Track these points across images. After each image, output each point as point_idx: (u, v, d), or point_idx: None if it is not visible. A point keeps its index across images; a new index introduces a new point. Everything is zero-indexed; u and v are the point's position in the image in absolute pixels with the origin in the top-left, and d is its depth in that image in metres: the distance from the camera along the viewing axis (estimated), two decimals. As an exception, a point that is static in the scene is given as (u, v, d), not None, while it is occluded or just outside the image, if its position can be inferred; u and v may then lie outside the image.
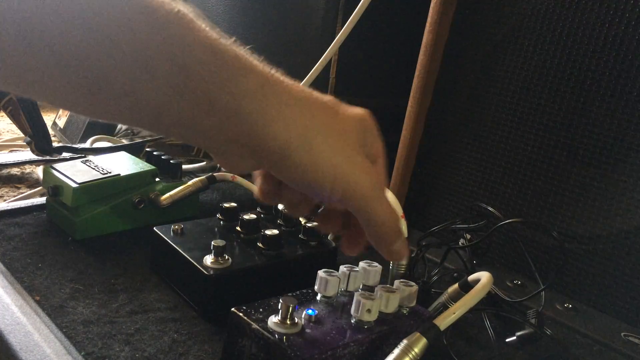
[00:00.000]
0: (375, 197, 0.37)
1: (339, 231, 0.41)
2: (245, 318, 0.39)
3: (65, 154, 0.87)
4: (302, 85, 0.36)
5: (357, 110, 0.38)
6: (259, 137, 0.33)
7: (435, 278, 0.57)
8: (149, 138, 1.07)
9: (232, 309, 0.40)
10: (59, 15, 0.27)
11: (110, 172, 0.63)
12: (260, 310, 0.40)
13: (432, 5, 0.74)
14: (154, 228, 0.56)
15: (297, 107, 0.34)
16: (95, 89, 0.29)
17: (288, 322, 0.38)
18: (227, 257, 0.51)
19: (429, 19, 0.74)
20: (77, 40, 0.28)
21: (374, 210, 0.37)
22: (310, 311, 0.40)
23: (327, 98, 0.37)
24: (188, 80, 0.30)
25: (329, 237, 0.62)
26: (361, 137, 0.37)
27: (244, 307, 0.40)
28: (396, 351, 0.38)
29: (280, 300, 0.38)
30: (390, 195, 0.50)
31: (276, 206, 0.64)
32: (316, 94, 0.37)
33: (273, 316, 0.39)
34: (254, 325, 0.38)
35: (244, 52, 0.33)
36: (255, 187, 0.42)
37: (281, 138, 0.33)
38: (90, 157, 0.69)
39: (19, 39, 0.27)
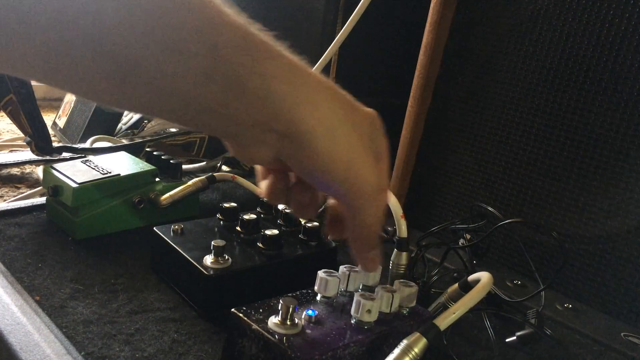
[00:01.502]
0: (375, 199, 0.37)
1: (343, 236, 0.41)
2: (246, 319, 0.39)
3: (65, 154, 0.87)
4: (324, 75, 0.37)
5: (369, 109, 0.39)
6: (286, 120, 0.33)
7: (435, 278, 0.57)
8: (149, 138, 1.07)
9: (232, 310, 0.40)
10: (92, 2, 0.27)
11: (110, 172, 0.63)
12: (261, 310, 0.40)
13: (432, 5, 0.74)
14: (154, 228, 0.56)
15: (323, 94, 0.35)
16: (126, 76, 0.29)
17: (288, 322, 0.38)
18: (227, 257, 0.51)
19: (429, 19, 0.74)
20: (110, 26, 0.28)
21: (369, 211, 0.37)
22: (310, 312, 0.40)
23: (345, 92, 0.38)
24: (219, 63, 0.30)
25: (328, 237, 0.62)
26: (371, 134, 0.38)
27: (244, 308, 0.40)
28: (396, 351, 0.38)
29: (280, 301, 0.38)
30: (389, 195, 0.51)
31: (276, 206, 0.64)
32: (337, 86, 0.37)
33: (273, 317, 0.39)
34: (254, 326, 0.38)
35: (270, 37, 0.33)
36: (259, 188, 0.42)
37: (308, 122, 0.33)
38: (90, 157, 0.69)
39: (53, 28, 0.27)
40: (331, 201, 0.43)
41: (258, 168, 0.43)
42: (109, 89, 0.30)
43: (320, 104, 0.34)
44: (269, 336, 0.37)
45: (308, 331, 0.39)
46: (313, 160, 0.34)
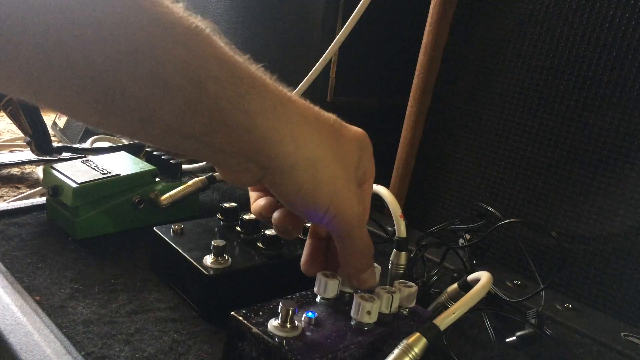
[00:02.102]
0: (360, 226, 0.39)
1: (324, 268, 0.44)
2: (245, 322, 0.39)
3: (65, 154, 0.87)
4: (310, 104, 0.37)
5: (356, 130, 0.40)
6: (268, 154, 0.33)
7: (434, 278, 0.57)
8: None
9: (232, 313, 0.40)
10: (79, 28, 0.27)
11: (110, 172, 0.63)
12: (260, 313, 0.40)
13: (432, 5, 0.74)
14: (154, 228, 0.56)
15: (307, 128, 0.35)
16: (109, 101, 0.29)
17: (288, 325, 0.38)
18: (227, 257, 0.51)
19: (429, 19, 0.74)
20: (95, 52, 0.27)
21: (355, 237, 0.39)
22: (310, 314, 0.40)
23: (332, 118, 0.38)
24: (203, 96, 0.30)
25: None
26: (357, 159, 0.39)
27: (244, 311, 0.40)
28: (396, 351, 0.38)
29: (280, 304, 0.38)
30: (387, 193, 0.51)
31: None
32: (323, 113, 0.38)
33: (273, 320, 0.39)
34: (254, 329, 0.38)
35: (257, 70, 0.34)
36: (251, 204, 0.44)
37: (290, 158, 0.34)
38: (90, 157, 0.69)
39: (38, 50, 0.27)
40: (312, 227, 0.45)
41: (249, 188, 0.44)
42: (94, 114, 0.30)
43: (304, 138, 0.35)
44: (269, 339, 0.37)
45: (308, 333, 0.39)
46: (294, 193, 0.35)
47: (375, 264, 0.46)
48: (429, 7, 0.74)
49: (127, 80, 0.28)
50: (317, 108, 0.37)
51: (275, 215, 0.42)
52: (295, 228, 0.42)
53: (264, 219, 0.44)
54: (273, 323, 0.39)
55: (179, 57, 0.29)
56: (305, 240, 0.57)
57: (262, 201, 0.43)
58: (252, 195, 0.44)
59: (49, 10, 0.26)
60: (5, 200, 0.98)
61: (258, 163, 0.34)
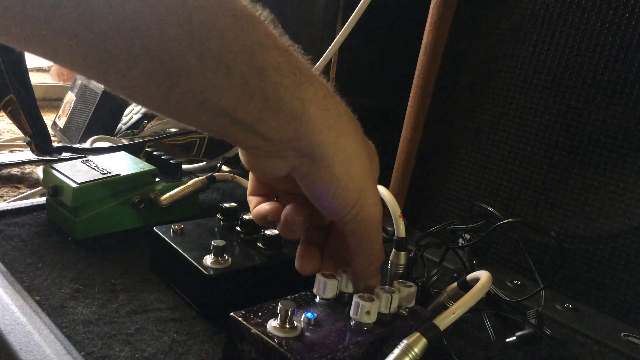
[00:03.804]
0: (378, 228, 0.39)
1: (319, 266, 0.44)
2: (244, 322, 0.39)
3: (65, 154, 0.87)
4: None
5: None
6: (311, 141, 0.34)
7: (434, 278, 0.57)
8: (149, 138, 1.07)
9: (231, 314, 0.40)
10: (155, 12, 0.28)
11: (110, 172, 0.64)
12: (259, 314, 0.40)
13: (432, 5, 0.74)
14: (154, 228, 0.56)
15: (347, 122, 0.37)
16: (175, 85, 0.30)
17: (287, 326, 0.38)
18: (227, 257, 0.51)
19: (429, 19, 0.74)
20: (171, 37, 0.28)
21: (372, 240, 0.39)
22: (309, 314, 0.40)
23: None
24: (262, 82, 0.31)
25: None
26: (377, 163, 0.40)
27: (243, 312, 0.40)
28: (396, 351, 0.38)
29: (279, 304, 0.38)
30: (386, 193, 0.51)
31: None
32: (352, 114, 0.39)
33: (272, 320, 0.39)
34: (253, 330, 0.38)
35: (307, 61, 0.35)
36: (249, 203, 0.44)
37: (331, 148, 0.35)
38: (90, 157, 0.69)
39: (116, 37, 0.27)
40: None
41: (251, 181, 0.44)
42: (155, 95, 0.31)
43: (345, 131, 0.36)
44: (268, 340, 0.37)
45: (307, 334, 0.39)
46: (328, 185, 0.36)
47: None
48: (429, 7, 0.74)
49: (194, 65, 0.29)
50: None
51: (287, 209, 0.41)
52: (302, 225, 0.42)
53: (266, 224, 0.44)
54: (272, 323, 0.39)
55: (244, 45, 0.30)
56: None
57: (266, 205, 0.43)
58: (252, 200, 0.44)
59: None
60: (5, 200, 0.98)
61: (299, 150, 0.35)
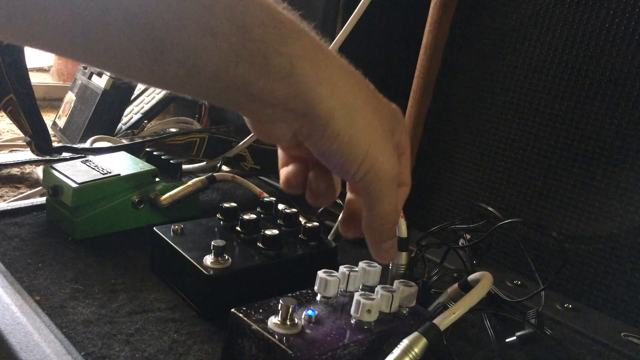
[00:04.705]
0: (392, 187, 0.37)
1: (359, 234, 0.41)
2: (245, 319, 0.39)
3: (65, 154, 0.87)
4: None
5: (392, 103, 0.39)
6: (306, 99, 0.33)
7: (435, 278, 0.57)
8: (149, 138, 1.07)
9: (232, 310, 0.40)
10: None
11: (110, 172, 0.63)
12: (260, 311, 0.40)
13: (432, 5, 0.74)
14: (154, 228, 0.56)
15: (344, 75, 0.35)
16: (160, 54, 0.29)
17: (288, 322, 0.38)
18: (227, 257, 0.51)
19: (429, 19, 0.74)
20: (148, 4, 0.28)
21: (385, 198, 0.37)
22: (310, 312, 0.40)
23: (367, 80, 0.38)
24: (247, 41, 0.30)
25: (328, 237, 0.62)
26: (393, 122, 0.38)
27: (244, 308, 0.40)
28: (396, 351, 0.38)
29: (280, 301, 0.38)
30: None
31: (276, 206, 0.64)
32: (360, 72, 0.37)
33: (273, 317, 0.39)
34: (254, 326, 0.38)
35: (296, 16, 0.34)
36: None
37: (327, 103, 0.33)
38: (90, 157, 0.69)
39: (94, 8, 0.27)
40: (349, 195, 0.43)
41: (280, 155, 0.42)
42: (142, 66, 0.30)
43: (341, 85, 0.34)
44: (269, 336, 0.37)
45: (308, 331, 0.39)
46: (331, 142, 0.34)
47: (376, 264, 0.46)
48: (429, 7, 0.74)
49: (177, 29, 0.29)
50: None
51: (311, 175, 0.40)
52: (327, 193, 0.40)
53: (295, 191, 0.41)
54: (273, 320, 0.39)
55: (225, 4, 0.30)
56: (305, 241, 0.57)
57: (290, 167, 0.41)
58: (281, 156, 0.42)
59: None
60: (5, 200, 0.98)
61: (296, 111, 0.33)
